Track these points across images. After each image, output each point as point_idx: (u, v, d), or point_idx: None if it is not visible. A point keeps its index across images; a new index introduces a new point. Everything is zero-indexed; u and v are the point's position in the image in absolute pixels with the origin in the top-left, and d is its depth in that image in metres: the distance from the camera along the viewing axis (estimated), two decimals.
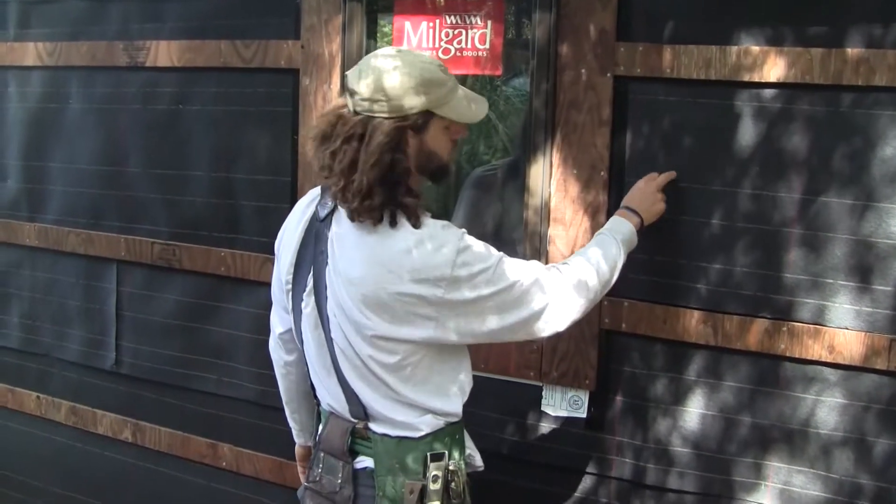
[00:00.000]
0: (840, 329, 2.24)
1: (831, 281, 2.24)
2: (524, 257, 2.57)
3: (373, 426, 2.03)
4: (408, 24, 2.71)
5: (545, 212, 2.54)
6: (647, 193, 2.31)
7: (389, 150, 1.86)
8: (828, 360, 2.25)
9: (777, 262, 2.30)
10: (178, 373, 3.26)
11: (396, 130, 1.87)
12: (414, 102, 1.89)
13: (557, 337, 2.53)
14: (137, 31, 3.21)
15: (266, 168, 2.99)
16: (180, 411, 3.29)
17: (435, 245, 1.87)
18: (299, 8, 2.87)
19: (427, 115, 1.92)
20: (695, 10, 2.36)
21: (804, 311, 2.28)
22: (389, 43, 2.78)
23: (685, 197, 2.38)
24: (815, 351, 2.26)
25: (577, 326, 2.50)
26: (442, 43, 2.67)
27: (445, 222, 1.96)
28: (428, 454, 2.00)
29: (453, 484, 2.01)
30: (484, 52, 2.63)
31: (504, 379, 2.66)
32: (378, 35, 2.84)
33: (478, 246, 1.92)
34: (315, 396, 2.19)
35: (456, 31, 2.65)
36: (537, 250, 2.55)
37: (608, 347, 2.53)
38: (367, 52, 2.79)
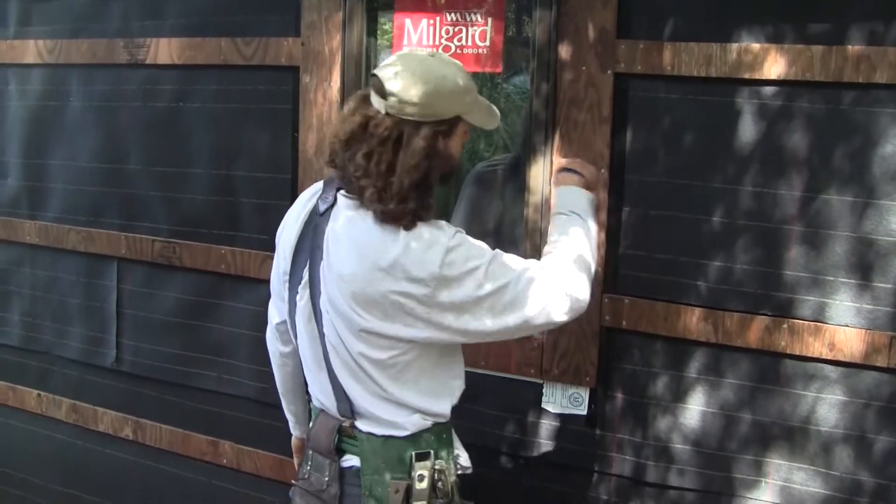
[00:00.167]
0: (840, 326, 2.24)
1: (832, 278, 2.24)
2: (525, 255, 2.57)
3: (359, 424, 2.03)
4: (408, 22, 2.71)
5: (545, 209, 2.54)
6: (587, 164, 2.30)
7: (427, 156, 1.89)
8: (828, 358, 2.26)
9: (778, 259, 2.30)
10: (179, 370, 3.26)
11: (433, 136, 1.90)
12: (448, 108, 1.91)
13: (558, 333, 2.54)
14: (138, 29, 3.21)
15: (266, 165, 2.99)
16: (181, 409, 3.29)
17: (425, 244, 1.87)
18: (300, 5, 2.87)
19: (455, 119, 1.95)
20: (695, 8, 2.36)
21: (805, 308, 2.28)
22: (390, 41, 2.78)
23: (686, 194, 2.38)
24: (816, 348, 2.26)
25: (577, 324, 2.51)
26: (442, 40, 2.67)
27: (440, 221, 1.95)
28: (413, 453, 2.00)
29: (440, 483, 2.01)
30: (484, 50, 2.63)
31: (504, 376, 2.66)
32: (378, 32, 2.84)
33: (469, 245, 1.91)
34: (307, 392, 2.20)
35: (456, 29, 2.65)
36: (538, 248, 2.55)
37: (609, 344, 2.53)
38: (368, 49, 2.81)
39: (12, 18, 3.52)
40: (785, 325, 2.29)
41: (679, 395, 2.45)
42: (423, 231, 1.89)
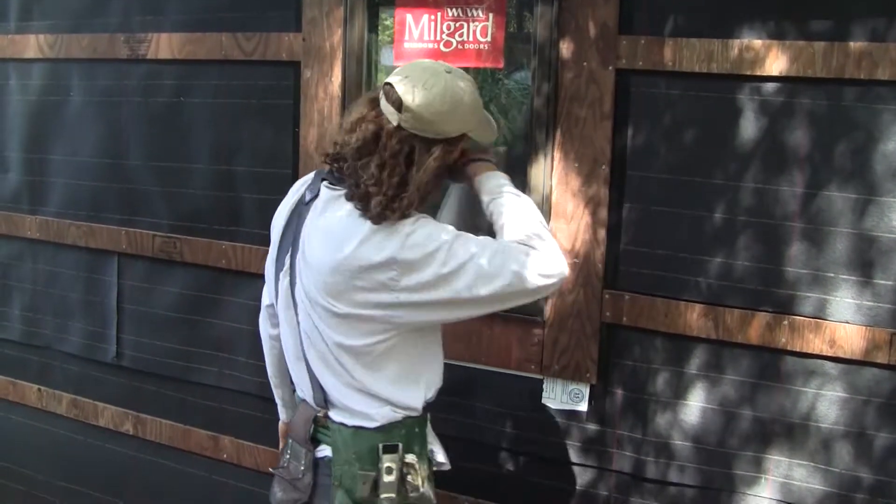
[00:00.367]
0: (841, 323, 2.24)
1: (832, 275, 2.24)
2: None
3: (332, 414, 2.06)
4: (409, 17, 2.71)
5: (546, 206, 2.54)
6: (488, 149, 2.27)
7: (439, 175, 1.97)
8: (829, 354, 2.26)
9: (778, 255, 2.30)
10: (179, 365, 3.26)
11: (444, 155, 1.94)
12: (459, 127, 1.96)
13: (559, 329, 2.54)
14: (138, 24, 3.21)
15: (267, 161, 2.99)
16: (181, 404, 3.29)
17: (388, 232, 1.89)
18: (300, 0, 2.87)
19: (462, 136, 1.99)
20: (697, 4, 2.35)
21: (805, 304, 2.28)
22: (391, 36, 2.77)
23: (687, 190, 2.38)
24: (816, 345, 2.26)
25: (577, 320, 2.52)
26: (443, 36, 2.67)
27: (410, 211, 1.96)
28: (381, 445, 2.01)
29: (409, 477, 2.02)
30: (486, 45, 2.63)
31: (505, 372, 2.66)
32: (380, 28, 2.84)
33: (431, 227, 1.93)
34: (291, 382, 2.22)
35: (458, 24, 2.65)
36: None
37: (609, 341, 2.53)
38: (368, 45, 2.80)
39: (13, 13, 3.51)
40: (785, 322, 2.29)
41: (679, 391, 2.45)
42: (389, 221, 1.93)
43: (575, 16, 2.46)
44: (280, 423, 2.44)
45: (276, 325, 2.25)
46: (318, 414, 2.08)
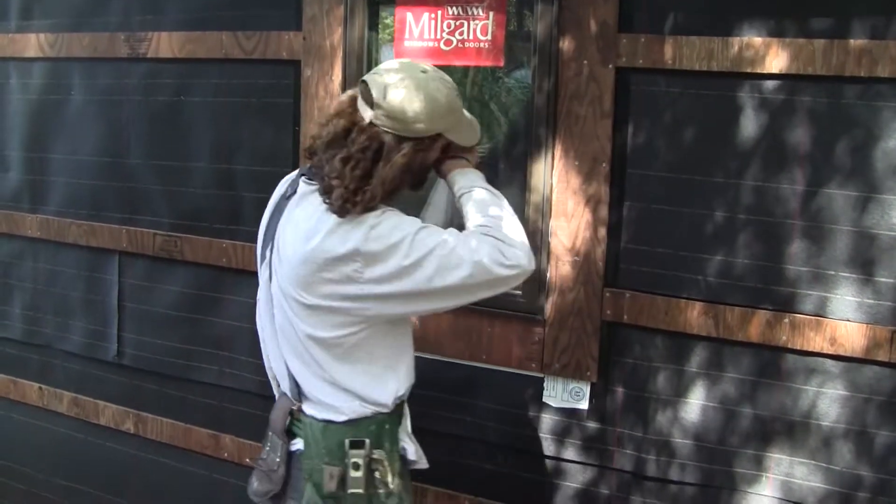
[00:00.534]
0: (842, 321, 2.24)
1: (833, 273, 2.24)
2: None
3: (304, 407, 2.08)
4: (409, 16, 2.71)
5: (547, 204, 2.54)
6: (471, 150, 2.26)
7: (407, 172, 1.96)
8: (829, 352, 2.26)
9: (779, 253, 2.30)
10: (180, 364, 3.26)
11: (414, 153, 1.95)
12: (432, 126, 1.96)
13: (559, 328, 2.54)
14: (139, 23, 3.21)
15: (267, 159, 2.99)
16: (182, 402, 3.30)
17: (354, 224, 1.91)
18: None
19: (437, 135, 2.00)
20: (697, 2, 2.35)
21: (806, 302, 2.28)
22: (391, 35, 2.77)
23: (687, 188, 2.38)
24: (817, 343, 2.26)
25: (578, 318, 2.52)
26: (444, 34, 2.67)
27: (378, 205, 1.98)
28: (347, 440, 2.02)
29: (377, 473, 2.03)
30: (486, 44, 2.63)
31: (506, 370, 2.66)
32: (380, 26, 2.84)
33: (395, 219, 1.94)
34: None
35: (458, 23, 2.65)
36: (538, 248, 2.54)
37: (610, 339, 2.53)
38: (369, 43, 2.80)
39: (14, 12, 3.51)
40: (786, 320, 2.29)
41: (680, 389, 2.45)
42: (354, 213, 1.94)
43: (575, 14, 2.46)
44: None
45: None
46: (294, 407, 2.11)
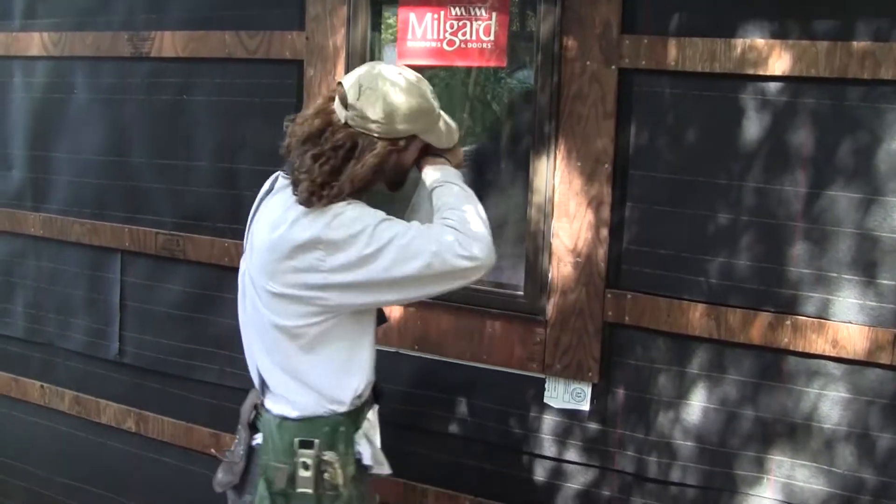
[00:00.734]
0: (844, 323, 2.23)
1: (835, 275, 2.24)
2: (528, 252, 2.57)
3: (266, 401, 2.11)
4: (412, 16, 2.70)
5: (549, 205, 2.53)
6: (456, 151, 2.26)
7: (376, 171, 1.99)
8: (831, 355, 2.25)
9: (781, 255, 2.29)
10: (182, 363, 3.26)
11: (387, 153, 1.99)
12: (407, 128, 1.99)
13: (561, 328, 2.54)
14: (142, 22, 3.21)
15: (270, 159, 2.96)
16: (183, 401, 3.30)
17: (318, 213, 1.93)
18: None
19: (412, 137, 2.02)
20: (700, 3, 2.35)
21: (808, 304, 2.27)
22: (394, 35, 2.77)
23: (689, 190, 2.38)
24: (819, 345, 2.26)
25: (580, 319, 2.51)
26: (447, 34, 2.66)
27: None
28: (297, 440, 2.04)
29: (327, 475, 2.04)
30: (489, 44, 2.62)
31: (507, 371, 2.66)
32: (383, 27, 2.84)
33: (359, 210, 1.95)
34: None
35: (461, 23, 2.65)
36: (540, 249, 2.54)
37: (611, 340, 2.53)
38: (372, 43, 2.80)
39: (17, 11, 3.52)
40: (788, 322, 2.28)
41: (681, 391, 2.45)
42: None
43: (578, 15, 2.46)
44: None
45: None
46: (258, 401, 2.14)
